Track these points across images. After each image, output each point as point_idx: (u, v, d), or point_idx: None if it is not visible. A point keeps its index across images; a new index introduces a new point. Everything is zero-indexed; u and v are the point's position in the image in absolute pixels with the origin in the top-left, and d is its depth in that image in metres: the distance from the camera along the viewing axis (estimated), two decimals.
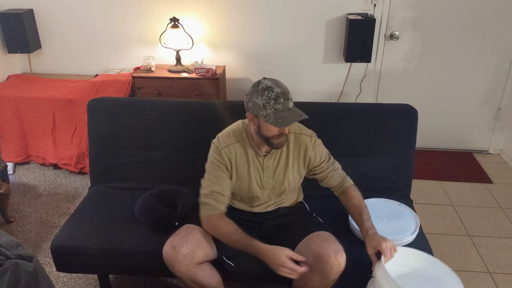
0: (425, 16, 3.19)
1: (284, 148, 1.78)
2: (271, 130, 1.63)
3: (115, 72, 3.43)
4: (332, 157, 1.87)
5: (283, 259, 1.55)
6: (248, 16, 3.29)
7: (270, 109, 1.57)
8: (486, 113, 3.46)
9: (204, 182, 1.77)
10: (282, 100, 1.57)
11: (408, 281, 1.60)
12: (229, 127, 1.82)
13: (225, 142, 1.75)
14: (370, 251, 1.64)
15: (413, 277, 1.64)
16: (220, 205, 1.72)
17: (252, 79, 3.49)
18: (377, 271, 1.58)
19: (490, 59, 3.27)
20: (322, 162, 1.83)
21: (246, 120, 1.79)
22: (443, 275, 1.60)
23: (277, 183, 1.81)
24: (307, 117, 1.61)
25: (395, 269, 1.61)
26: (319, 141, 1.83)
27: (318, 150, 1.81)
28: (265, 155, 1.76)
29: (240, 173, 1.76)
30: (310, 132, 1.83)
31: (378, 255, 1.62)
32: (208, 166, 1.78)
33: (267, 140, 1.67)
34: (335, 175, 1.85)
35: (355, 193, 1.83)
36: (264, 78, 1.63)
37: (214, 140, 1.79)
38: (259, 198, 1.82)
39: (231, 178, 1.77)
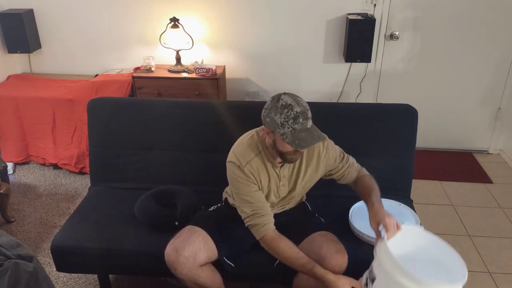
0: (425, 16, 3.19)
1: None
2: (287, 147, 1.58)
3: (115, 72, 3.43)
4: (345, 154, 1.85)
5: None
6: (248, 16, 3.29)
7: (288, 128, 1.53)
8: (486, 113, 3.46)
9: (240, 204, 1.71)
10: (301, 120, 1.52)
11: (409, 262, 1.52)
12: (242, 141, 1.76)
13: (245, 159, 1.69)
14: (373, 226, 1.59)
15: (415, 258, 1.58)
16: (266, 219, 1.67)
17: (252, 79, 3.49)
18: (378, 248, 1.53)
19: (490, 59, 3.27)
20: (337, 163, 1.81)
21: (259, 131, 1.76)
22: (446, 258, 1.54)
23: (291, 189, 1.81)
24: (325, 137, 1.58)
25: (397, 247, 1.54)
26: (331, 143, 1.81)
27: (331, 153, 1.79)
28: (281, 165, 1.74)
29: (262, 185, 1.74)
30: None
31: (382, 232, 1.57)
32: (234, 185, 1.72)
33: (281, 155, 1.64)
34: (351, 171, 1.83)
35: (368, 179, 1.81)
36: (285, 94, 1.57)
37: (232, 159, 1.71)
38: (272, 203, 1.82)
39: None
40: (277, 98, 1.56)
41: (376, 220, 1.57)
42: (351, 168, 1.83)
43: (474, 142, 3.56)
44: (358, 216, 1.96)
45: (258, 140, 1.72)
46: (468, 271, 2.34)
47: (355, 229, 1.88)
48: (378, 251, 1.52)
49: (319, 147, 1.77)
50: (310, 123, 1.56)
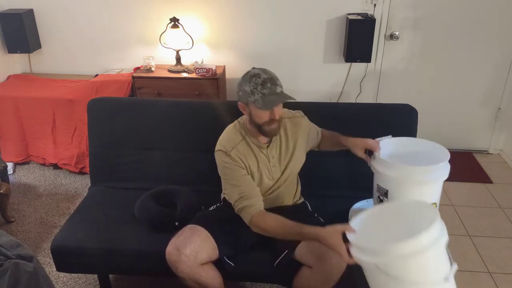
0: (425, 16, 3.19)
1: (283, 134, 1.82)
2: (262, 116, 1.66)
3: (115, 72, 3.43)
4: (316, 126, 1.98)
5: (338, 243, 1.45)
6: (248, 16, 3.29)
7: (258, 94, 1.61)
8: (486, 113, 3.46)
9: (229, 190, 1.74)
10: (269, 85, 1.61)
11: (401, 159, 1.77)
12: (225, 132, 1.84)
13: (231, 145, 1.75)
14: (360, 153, 1.79)
15: (404, 155, 1.80)
16: (254, 201, 1.69)
17: None
18: (374, 163, 1.74)
19: (490, 59, 3.27)
20: (315, 135, 1.95)
21: (240, 120, 1.83)
22: (431, 148, 1.80)
23: (282, 168, 1.84)
24: (295, 99, 1.66)
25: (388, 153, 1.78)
26: (307, 118, 1.94)
27: (312, 128, 1.93)
28: (267, 146, 1.79)
29: (252, 170, 1.78)
30: (300, 113, 1.93)
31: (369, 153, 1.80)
32: (222, 173, 1.77)
33: (259, 128, 1.70)
34: (320, 136, 1.98)
35: (325, 131, 1.98)
36: (253, 68, 1.68)
37: (218, 148, 1.77)
38: (268, 186, 1.85)
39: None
40: (247, 72, 1.67)
41: (360, 146, 1.78)
42: (319, 133, 1.99)
43: (474, 142, 3.56)
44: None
45: (241, 127, 1.80)
46: (468, 271, 2.35)
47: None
48: (379, 167, 1.72)
49: (302, 123, 1.87)
50: (279, 89, 1.64)
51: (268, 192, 1.86)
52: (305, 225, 1.56)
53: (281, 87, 1.64)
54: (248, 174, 1.76)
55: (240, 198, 1.69)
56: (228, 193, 1.75)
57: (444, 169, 1.72)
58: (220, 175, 1.80)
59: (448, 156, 1.73)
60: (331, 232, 1.47)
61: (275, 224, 1.63)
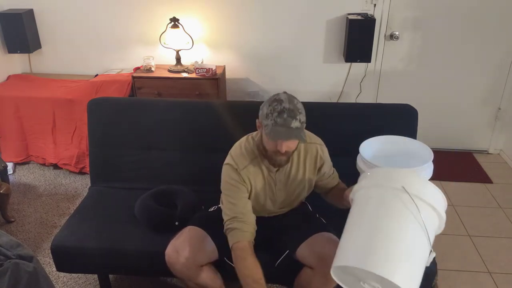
0: (425, 16, 3.19)
1: (295, 158, 1.74)
2: (269, 143, 1.58)
3: (115, 72, 3.43)
4: (332, 167, 1.87)
5: None
6: (248, 16, 3.29)
7: (271, 120, 1.52)
8: (486, 113, 3.46)
9: (225, 207, 1.70)
10: (285, 115, 1.50)
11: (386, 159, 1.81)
12: (239, 145, 1.75)
13: (243, 164, 1.69)
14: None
15: (390, 154, 1.81)
16: (246, 227, 1.65)
17: (252, 79, 3.49)
18: (360, 163, 1.77)
19: (490, 59, 3.27)
20: (327, 172, 1.83)
21: (254, 136, 1.75)
22: (416, 147, 1.81)
23: (288, 195, 1.80)
24: (305, 141, 1.58)
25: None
26: (326, 150, 1.82)
27: (326, 159, 1.81)
28: (277, 170, 1.73)
29: (257, 192, 1.73)
30: (319, 140, 1.81)
31: None
32: (225, 188, 1.72)
33: (266, 154, 1.64)
34: (333, 182, 1.86)
35: (342, 183, 1.88)
36: (284, 92, 1.58)
37: (229, 161, 1.71)
38: (270, 211, 1.82)
39: (249, 198, 1.73)
40: (276, 94, 1.58)
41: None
42: (333, 180, 1.87)
43: (474, 142, 3.56)
44: None
45: (254, 145, 1.72)
46: (468, 271, 2.35)
47: None
48: (364, 167, 1.73)
49: (317, 150, 1.76)
50: (295, 124, 1.52)
51: (271, 215, 1.84)
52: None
53: (300, 122, 1.53)
54: (251, 195, 1.71)
55: (232, 218, 1.66)
56: (224, 209, 1.71)
57: (427, 170, 1.72)
58: (221, 189, 1.75)
59: (432, 156, 1.73)
60: None
61: (250, 271, 1.58)
